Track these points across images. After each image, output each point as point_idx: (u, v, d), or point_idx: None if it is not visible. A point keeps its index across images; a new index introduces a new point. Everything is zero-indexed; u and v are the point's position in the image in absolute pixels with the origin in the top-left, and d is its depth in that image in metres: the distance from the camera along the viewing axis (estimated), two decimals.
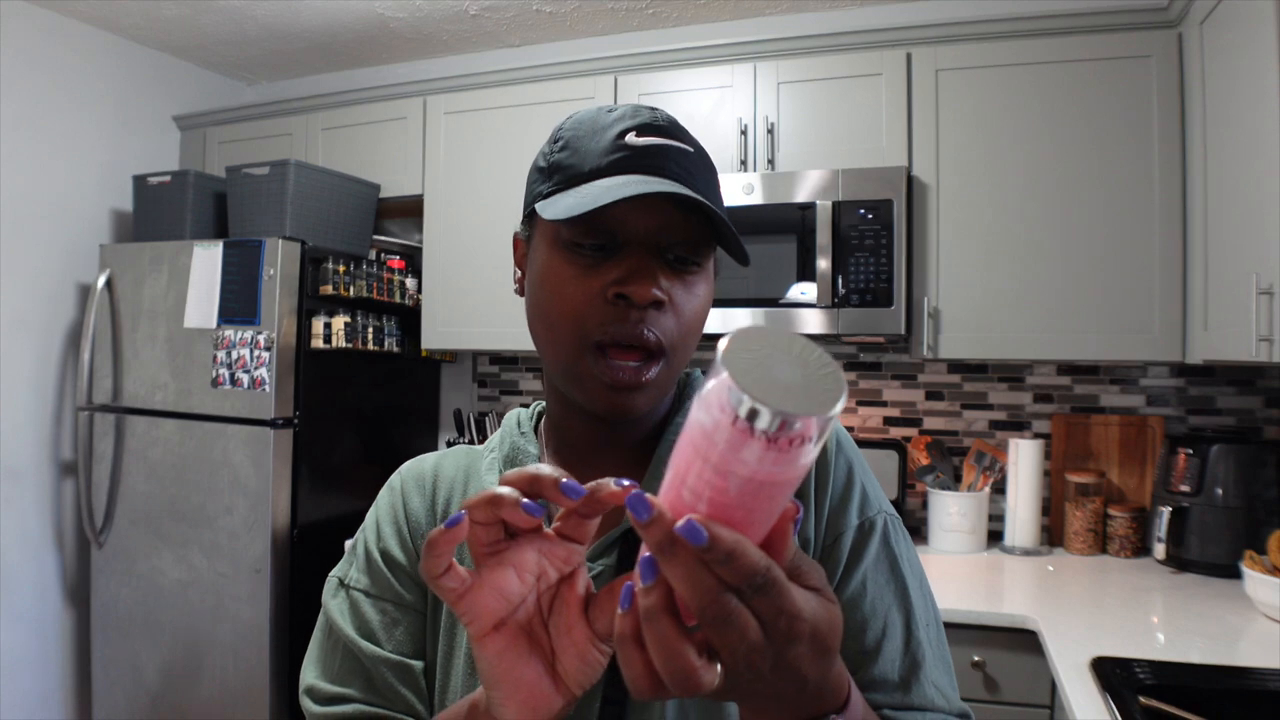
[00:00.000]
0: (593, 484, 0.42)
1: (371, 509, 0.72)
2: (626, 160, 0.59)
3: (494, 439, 0.73)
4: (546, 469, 0.43)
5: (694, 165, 0.61)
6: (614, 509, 0.63)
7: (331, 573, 0.71)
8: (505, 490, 0.43)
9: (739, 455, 0.34)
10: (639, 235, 0.59)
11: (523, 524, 0.44)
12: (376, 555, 0.68)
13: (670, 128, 0.62)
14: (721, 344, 0.35)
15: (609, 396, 0.60)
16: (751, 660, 0.37)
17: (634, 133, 0.60)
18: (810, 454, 0.35)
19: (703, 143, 0.65)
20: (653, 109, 0.63)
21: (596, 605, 0.46)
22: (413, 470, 0.73)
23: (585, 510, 0.43)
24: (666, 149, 0.60)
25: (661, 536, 0.36)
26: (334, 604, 0.68)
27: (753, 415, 0.33)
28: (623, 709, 0.59)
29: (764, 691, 0.38)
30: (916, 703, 0.59)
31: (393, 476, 0.74)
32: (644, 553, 0.38)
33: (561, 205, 0.58)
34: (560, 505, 0.44)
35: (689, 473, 0.36)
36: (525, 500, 0.43)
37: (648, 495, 0.37)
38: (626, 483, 0.41)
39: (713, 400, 0.34)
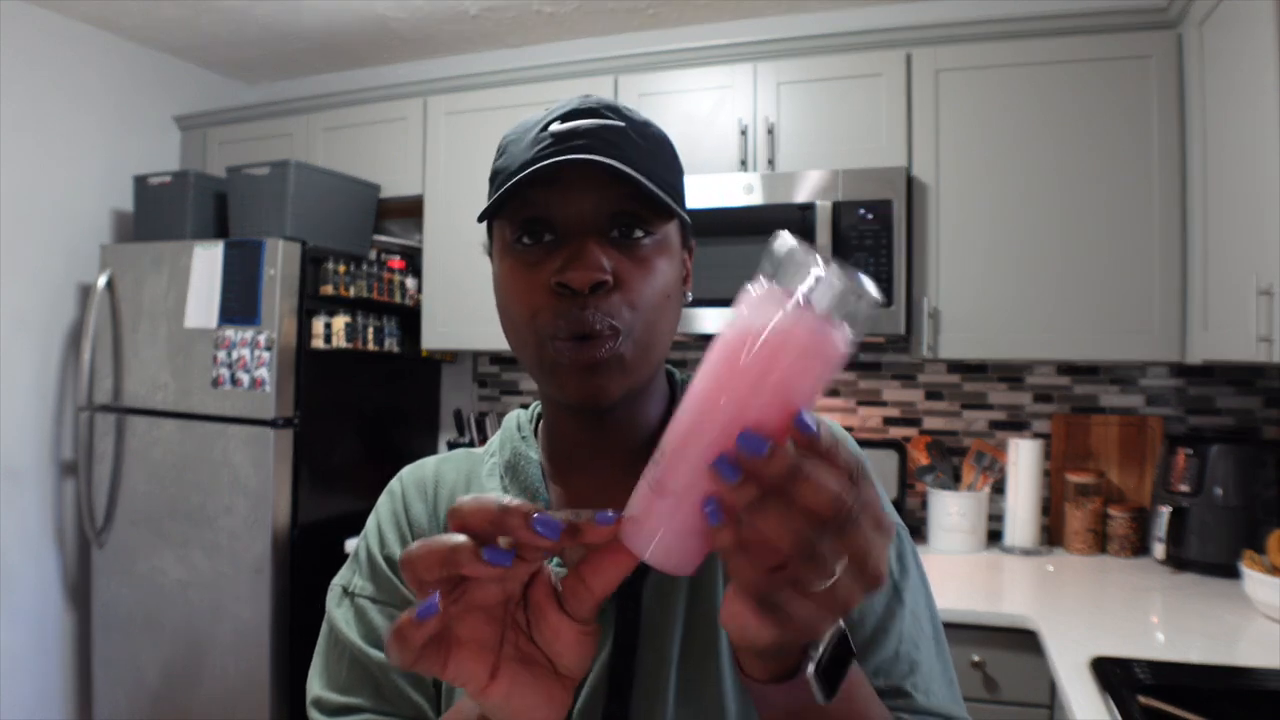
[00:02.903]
0: (570, 516, 0.39)
1: (372, 514, 0.71)
2: (549, 148, 0.57)
3: (494, 442, 0.72)
4: (514, 502, 0.40)
5: (624, 138, 0.58)
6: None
7: (334, 581, 0.69)
8: (460, 540, 0.39)
9: (792, 326, 0.36)
10: (575, 220, 0.57)
11: (486, 575, 0.40)
12: (380, 560, 0.67)
13: (601, 109, 0.60)
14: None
15: (577, 380, 0.58)
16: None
17: (559, 120, 0.59)
18: (848, 335, 0.37)
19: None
20: (588, 96, 0.61)
21: (570, 595, 0.43)
22: (414, 475, 0.72)
23: (567, 544, 0.39)
24: (592, 128, 0.58)
25: (782, 467, 0.35)
26: (339, 613, 0.66)
27: (814, 285, 0.36)
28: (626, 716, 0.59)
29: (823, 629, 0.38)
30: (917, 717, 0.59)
31: (393, 481, 0.72)
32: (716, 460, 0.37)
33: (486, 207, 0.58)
34: (533, 544, 0.39)
35: (729, 378, 0.37)
36: (487, 550, 0.38)
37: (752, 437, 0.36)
38: (611, 515, 0.40)
39: (764, 292, 0.38)
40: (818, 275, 0.36)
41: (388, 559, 0.67)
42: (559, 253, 0.57)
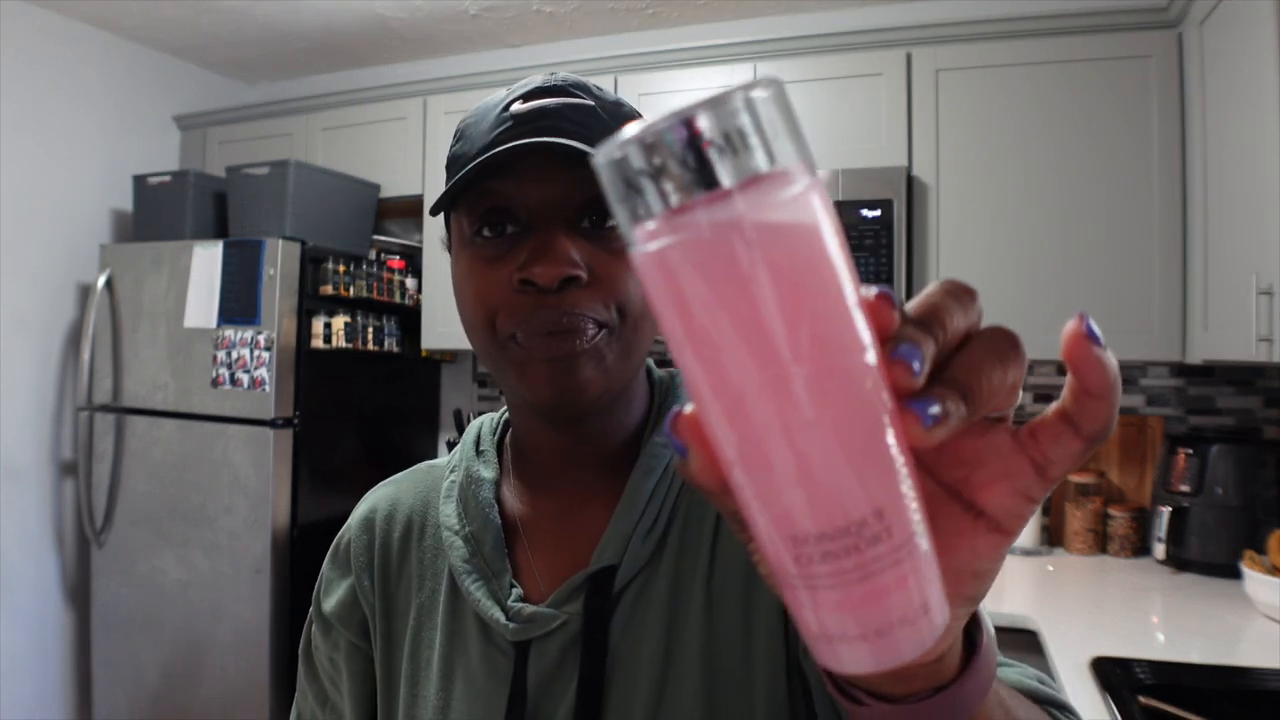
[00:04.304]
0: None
1: (326, 558, 0.69)
2: (510, 131, 0.52)
3: (454, 456, 0.65)
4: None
5: (594, 118, 0.53)
6: (573, 553, 0.58)
7: (306, 623, 0.70)
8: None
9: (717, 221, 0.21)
10: (540, 210, 0.51)
11: None
12: (318, 620, 0.67)
13: (566, 86, 0.55)
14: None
15: (549, 378, 0.51)
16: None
17: (520, 100, 0.54)
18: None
19: None
20: (554, 73, 0.56)
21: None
22: (362, 510, 0.68)
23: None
24: (558, 108, 0.53)
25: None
26: (300, 670, 0.70)
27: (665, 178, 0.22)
28: (601, 693, 0.54)
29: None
30: None
31: (342, 529, 0.69)
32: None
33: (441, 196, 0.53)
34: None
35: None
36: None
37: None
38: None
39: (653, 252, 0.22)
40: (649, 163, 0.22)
41: (321, 616, 0.67)
42: (523, 246, 0.52)
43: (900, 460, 0.24)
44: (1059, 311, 2.00)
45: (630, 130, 0.22)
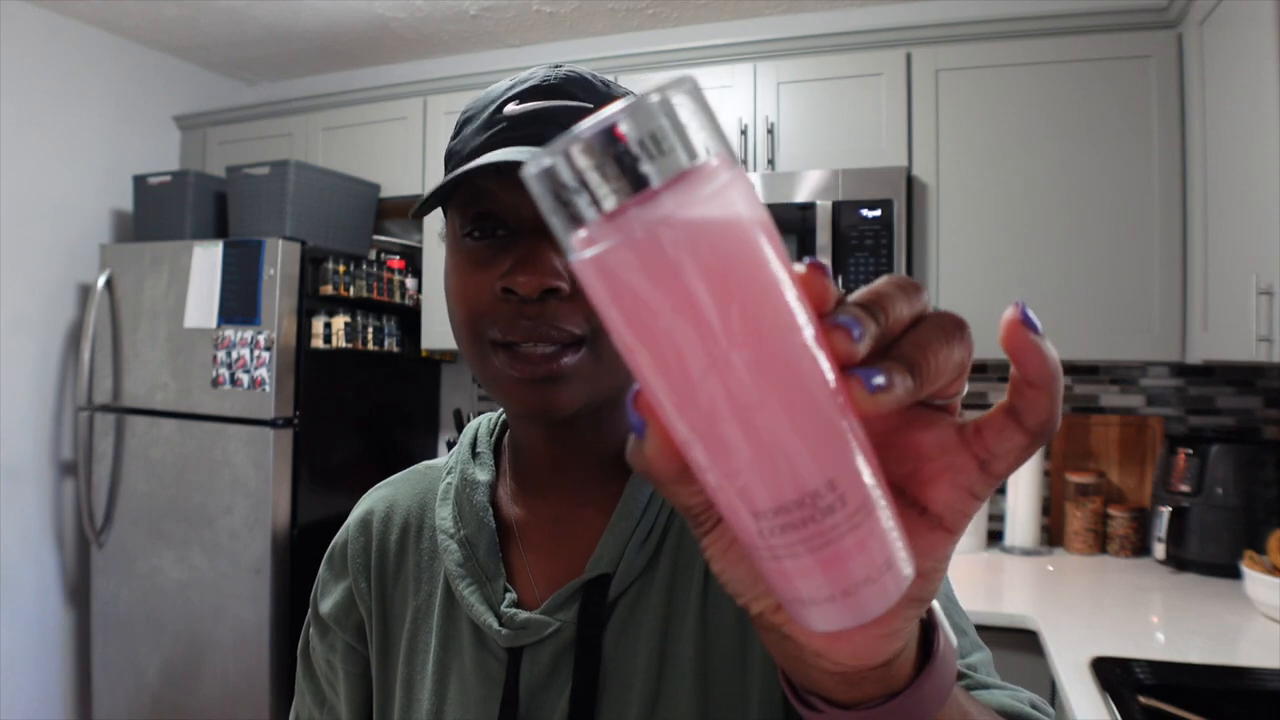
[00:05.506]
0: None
1: (323, 560, 0.68)
2: (502, 134, 0.52)
3: (452, 456, 0.65)
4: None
5: None
6: (569, 558, 0.57)
7: (305, 624, 0.69)
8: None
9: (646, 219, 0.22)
10: (528, 217, 0.51)
11: None
12: (315, 621, 0.67)
13: (563, 85, 0.53)
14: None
15: (526, 393, 0.51)
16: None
17: (515, 100, 0.53)
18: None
19: None
20: (554, 67, 0.55)
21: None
22: (360, 511, 0.67)
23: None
24: (551, 111, 0.52)
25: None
26: (298, 670, 0.70)
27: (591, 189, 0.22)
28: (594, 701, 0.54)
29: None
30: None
31: (339, 531, 0.69)
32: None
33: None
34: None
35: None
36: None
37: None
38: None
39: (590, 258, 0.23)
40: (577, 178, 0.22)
41: (318, 618, 0.66)
42: (509, 252, 0.51)
43: (847, 427, 0.25)
44: (1059, 312, 2.00)
45: (556, 145, 0.22)
